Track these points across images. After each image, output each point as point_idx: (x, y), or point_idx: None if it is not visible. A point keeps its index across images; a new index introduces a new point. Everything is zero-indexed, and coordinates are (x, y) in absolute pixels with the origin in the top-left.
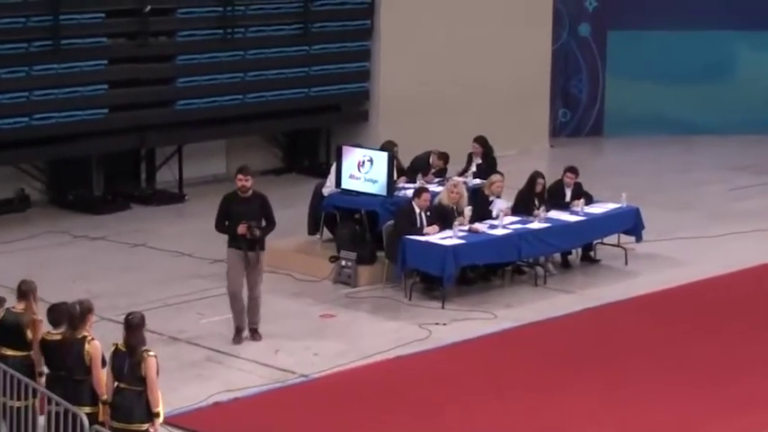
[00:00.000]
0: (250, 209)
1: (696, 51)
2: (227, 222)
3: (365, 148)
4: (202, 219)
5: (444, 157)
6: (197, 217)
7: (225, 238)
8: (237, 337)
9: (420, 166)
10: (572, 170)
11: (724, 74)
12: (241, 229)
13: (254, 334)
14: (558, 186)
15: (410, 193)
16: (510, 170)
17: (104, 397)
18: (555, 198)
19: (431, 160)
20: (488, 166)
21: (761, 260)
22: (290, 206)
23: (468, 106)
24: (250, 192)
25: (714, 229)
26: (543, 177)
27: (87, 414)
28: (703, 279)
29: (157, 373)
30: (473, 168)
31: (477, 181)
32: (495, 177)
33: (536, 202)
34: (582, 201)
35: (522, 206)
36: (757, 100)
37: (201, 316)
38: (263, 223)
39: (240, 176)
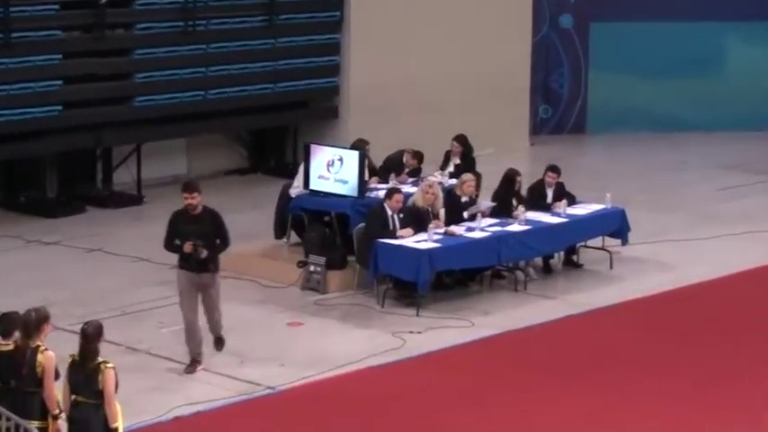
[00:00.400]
0: (200, 227)
1: (684, 44)
2: (176, 241)
3: (335, 146)
4: (162, 222)
5: (418, 156)
6: (156, 220)
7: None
8: (191, 368)
9: (393, 166)
10: (553, 169)
11: (713, 67)
12: (187, 247)
13: (218, 344)
14: (539, 187)
15: (382, 194)
16: (487, 170)
17: (55, 412)
18: (536, 199)
19: (404, 159)
20: (467, 167)
21: (752, 263)
22: (256, 208)
23: (443, 102)
24: (200, 208)
25: (703, 231)
26: (519, 174)
27: (38, 429)
28: (692, 284)
29: (116, 386)
30: (450, 168)
31: (454, 182)
32: (466, 176)
33: (514, 203)
34: (564, 202)
35: (500, 207)
36: (747, 95)
37: (162, 325)
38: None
39: (185, 195)
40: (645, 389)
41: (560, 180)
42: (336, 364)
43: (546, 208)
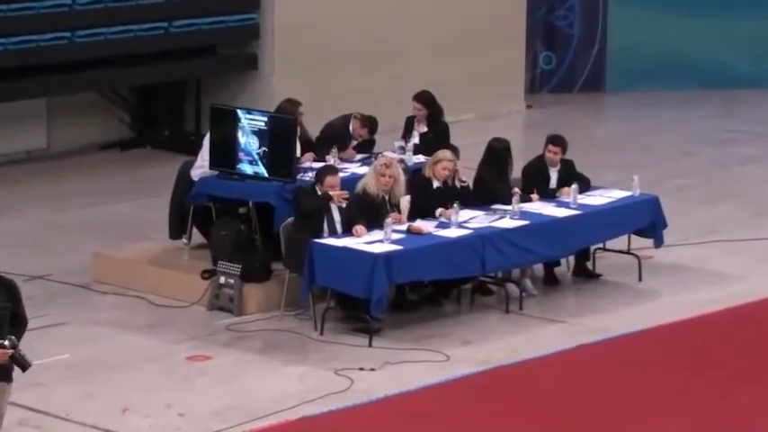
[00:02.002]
0: None
1: None
2: None
3: (253, 110)
4: (13, 216)
5: (370, 123)
6: (3, 214)
7: (48, 246)
8: None
9: (335, 137)
10: (556, 141)
11: None
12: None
13: None
14: (539, 166)
15: None
16: (467, 143)
17: None
18: (534, 183)
19: (351, 128)
20: (437, 137)
21: None
22: (144, 197)
23: (405, 50)
24: None
25: (767, 228)
26: (509, 147)
27: None
28: (753, 301)
29: None
30: (414, 139)
31: (421, 158)
32: (441, 154)
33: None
34: (574, 187)
35: (482, 192)
36: None
37: None
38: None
39: None
40: None
41: (567, 157)
42: (257, 413)
43: (549, 195)
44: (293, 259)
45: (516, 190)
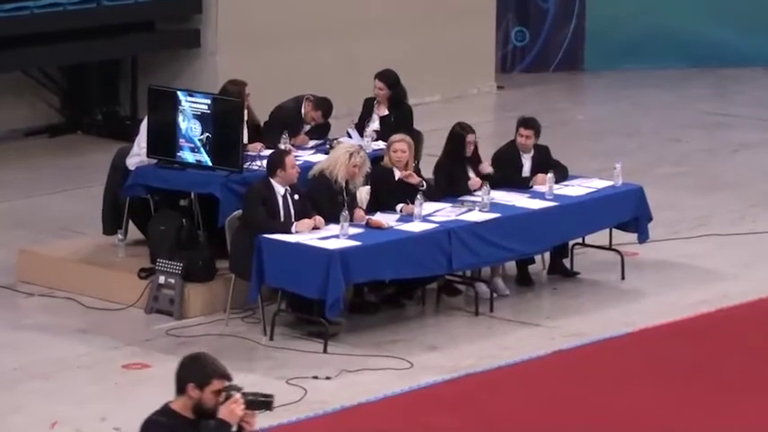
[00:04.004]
0: None
1: None
2: None
3: (195, 92)
4: None
5: (324, 105)
6: None
7: None
8: None
9: (286, 122)
10: (527, 124)
11: None
12: None
13: None
14: (510, 153)
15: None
16: (432, 127)
17: None
18: (505, 171)
19: (302, 111)
20: (399, 121)
21: None
22: (75, 188)
23: (362, 25)
24: None
25: (764, 220)
26: (473, 132)
27: None
28: (748, 302)
29: None
30: (374, 124)
31: (381, 145)
32: (395, 138)
33: (469, 175)
34: (550, 176)
35: (446, 182)
36: None
37: None
38: None
39: None
40: None
41: (542, 143)
42: None
43: (521, 185)
44: (239, 264)
45: (474, 177)
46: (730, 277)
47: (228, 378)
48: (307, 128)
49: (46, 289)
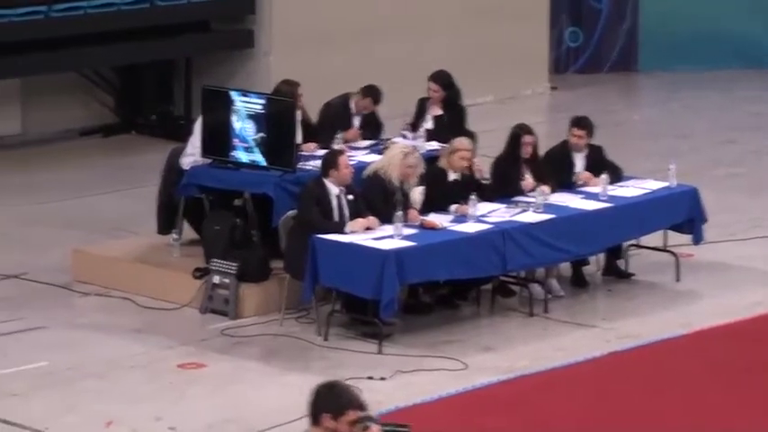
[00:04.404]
0: None
1: None
2: None
3: (249, 92)
4: None
5: (371, 91)
6: None
7: (23, 241)
8: None
9: (335, 118)
10: (581, 124)
11: None
12: None
13: None
14: (561, 152)
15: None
16: (485, 128)
17: None
18: (558, 172)
19: (351, 104)
20: (452, 122)
21: None
22: (129, 188)
23: (416, 26)
24: None
25: None
26: (531, 134)
27: None
28: None
29: None
30: (428, 124)
31: (435, 145)
32: (459, 143)
33: (524, 176)
34: (604, 177)
35: (500, 181)
36: None
37: None
38: None
39: None
40: None
41: (596, 143)
42: (254, 427)
43: (573, 186)
44: (294, 264)
45: (528, 178)
46: None
47: (364, 408)
48: (357, 121)
49: (101, 288)
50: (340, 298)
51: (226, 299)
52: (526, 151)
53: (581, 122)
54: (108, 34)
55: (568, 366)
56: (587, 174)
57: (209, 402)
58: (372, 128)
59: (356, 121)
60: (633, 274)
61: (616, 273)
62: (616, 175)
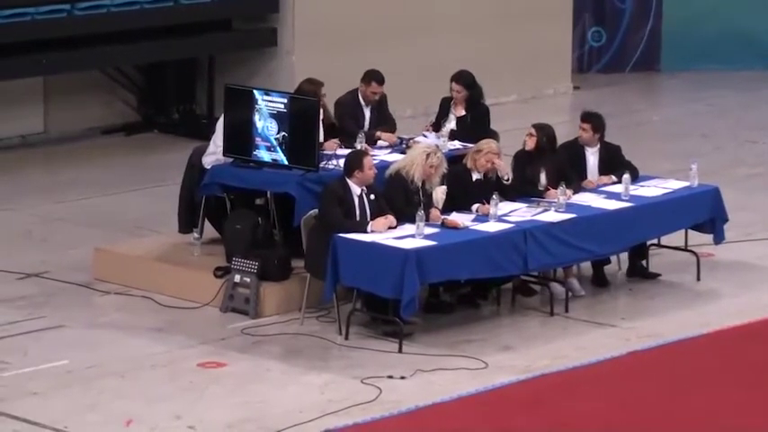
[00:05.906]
0: None
1: None
2: None
3: (271, 91)
4: (6, 207)
5: (373, 74)
6: None
7: (45, 240)
8: None
9: (349, 112)
10: (585, 118)
11: None
12: None
13: None
14: (574, 148)
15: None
16: (508, 127)
17: None
18: (570, 166)
19: (360, 97)
20: (476, 121)
21: None
22: (151, 186)
23: (439, 24)
24: None
25: None
26: (539, 129)
27: None
28: None
29: None
30: (451, 124)
31: (457, 145)
32: (486, 145)
33: (543, 176)
34: (626, 176)
35: (522, 181)
36: None
37: (6, 366)
38: None
39: None
40: None
41: (614, 143)
42: (275, 426)
43: (583, 190)
44: (315, 263)
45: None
46: None
47: None
48: (368, 112)
49: (122, 287)
50: (361, 297)
51: (246, 298)
52: (528, 145)
53: (585, 117)
54: (131, 33)
55: (588, 366)
56: (591, 181)
57: (229, 401)
58: (382, 112)
59: (367, 113)
60: (659, 275)
61: (641, 273)
62: (631, 176)
